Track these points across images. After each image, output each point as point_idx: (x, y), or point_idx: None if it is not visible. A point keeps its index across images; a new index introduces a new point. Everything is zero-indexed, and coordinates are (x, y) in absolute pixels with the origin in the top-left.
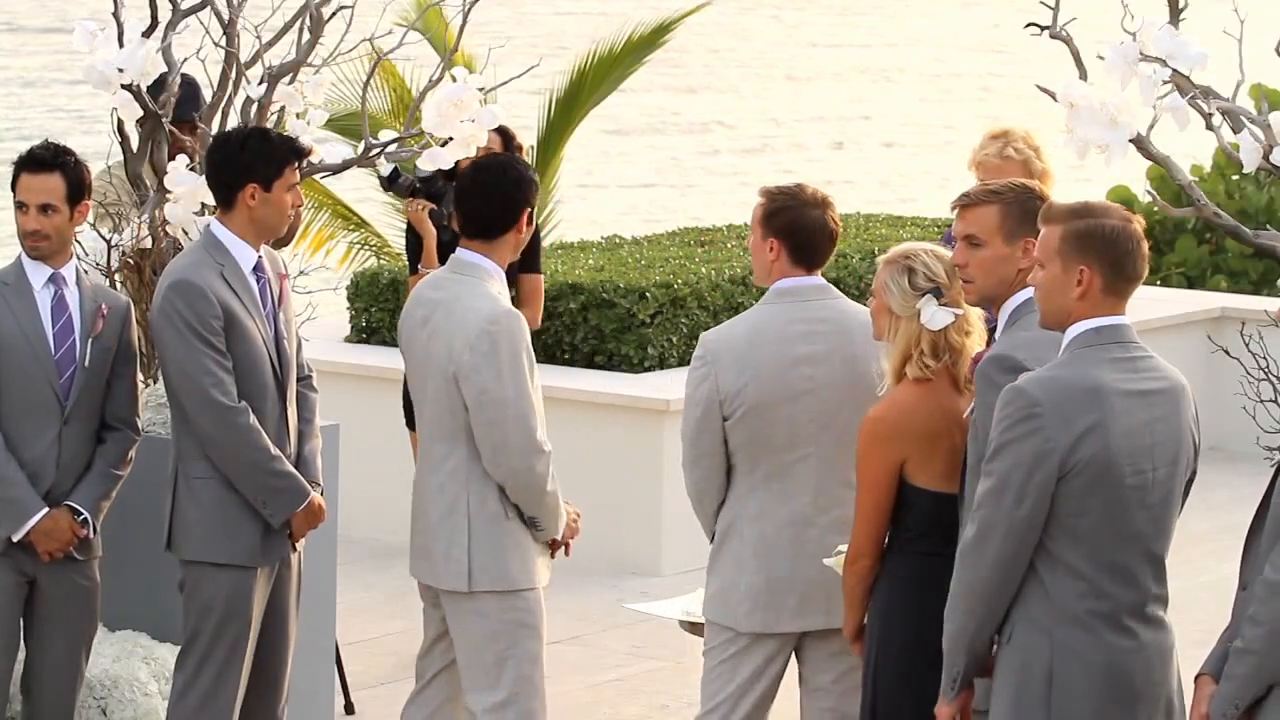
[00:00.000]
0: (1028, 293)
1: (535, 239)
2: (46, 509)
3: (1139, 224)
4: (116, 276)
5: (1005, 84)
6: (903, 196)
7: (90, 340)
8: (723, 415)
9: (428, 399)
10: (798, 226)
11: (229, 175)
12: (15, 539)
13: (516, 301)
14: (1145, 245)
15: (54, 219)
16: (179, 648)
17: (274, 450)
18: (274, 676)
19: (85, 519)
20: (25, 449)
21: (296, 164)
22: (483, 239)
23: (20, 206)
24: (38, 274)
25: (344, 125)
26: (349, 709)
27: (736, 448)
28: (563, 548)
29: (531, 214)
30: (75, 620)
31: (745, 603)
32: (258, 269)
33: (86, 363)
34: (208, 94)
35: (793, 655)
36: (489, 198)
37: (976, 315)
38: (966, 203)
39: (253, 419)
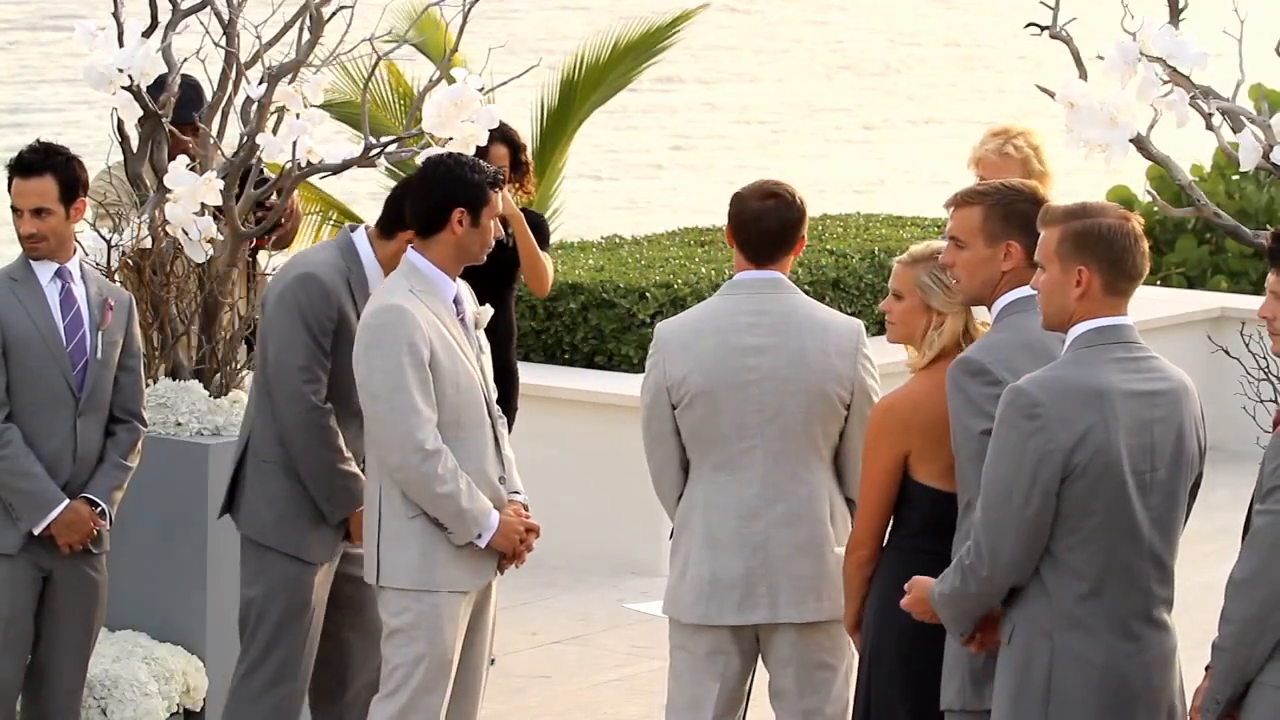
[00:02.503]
0: (1013, 295)
1: (543, 226)
2: (68, 500)
3: (1137, 222)
4: (116, 276)
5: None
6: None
7: (99, 332)
8: (671, 403)
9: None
10: (737, 215)
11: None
12: (37, 531)
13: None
14: (1144, 243)
15: (49, 221)
16: (179, 647)
17: (346, 453)
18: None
19: (103, 510)
20: (42, 442)
21: (466, 213)
22: (419, 238)
23: (15, 211)
24: (44, 269)
25: (346, 113)
26: None
27: (687, 437)
28: (512, 561)
29: (474, 215)
30: (87, 614)
31: (689, 594)
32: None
33: (98, 354)
34: (208, 94)
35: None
36: (418, 196)
37: None
38: (954, 203)
39: (334, 421)
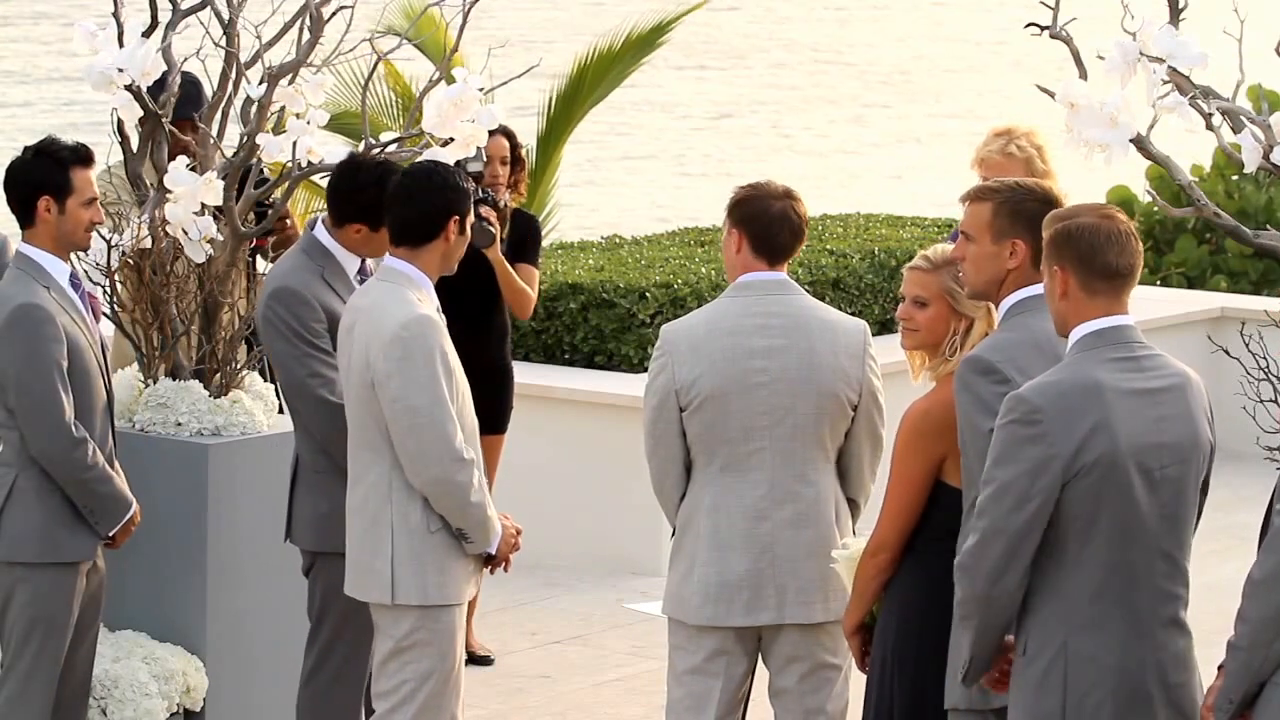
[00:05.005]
0: (1021, 294)
1: (535, 232)
2: (134, 501)
3: (1121, 221)
4: (116, 276)
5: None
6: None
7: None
8: (680, 406)
9: (351, 407)
10: (756, 215)
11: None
12: (112, 534)
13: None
14: (1125, 242)
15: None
16: (179, 648)
17: None
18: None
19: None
20: (103, 444)
21: (459, 221)
22: (408, 246)
23: (88, 203)
24: (60, 271)
25: (344, 125)
26: None
27: (693, 439)
28: (502, 564)
29: (462, 223)
30: (100, 606)
31: (696, 595)
32: (361, 271)
33: (109, 349)
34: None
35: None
36: (414, 205)
37: None
38: (967, 197)
39: None
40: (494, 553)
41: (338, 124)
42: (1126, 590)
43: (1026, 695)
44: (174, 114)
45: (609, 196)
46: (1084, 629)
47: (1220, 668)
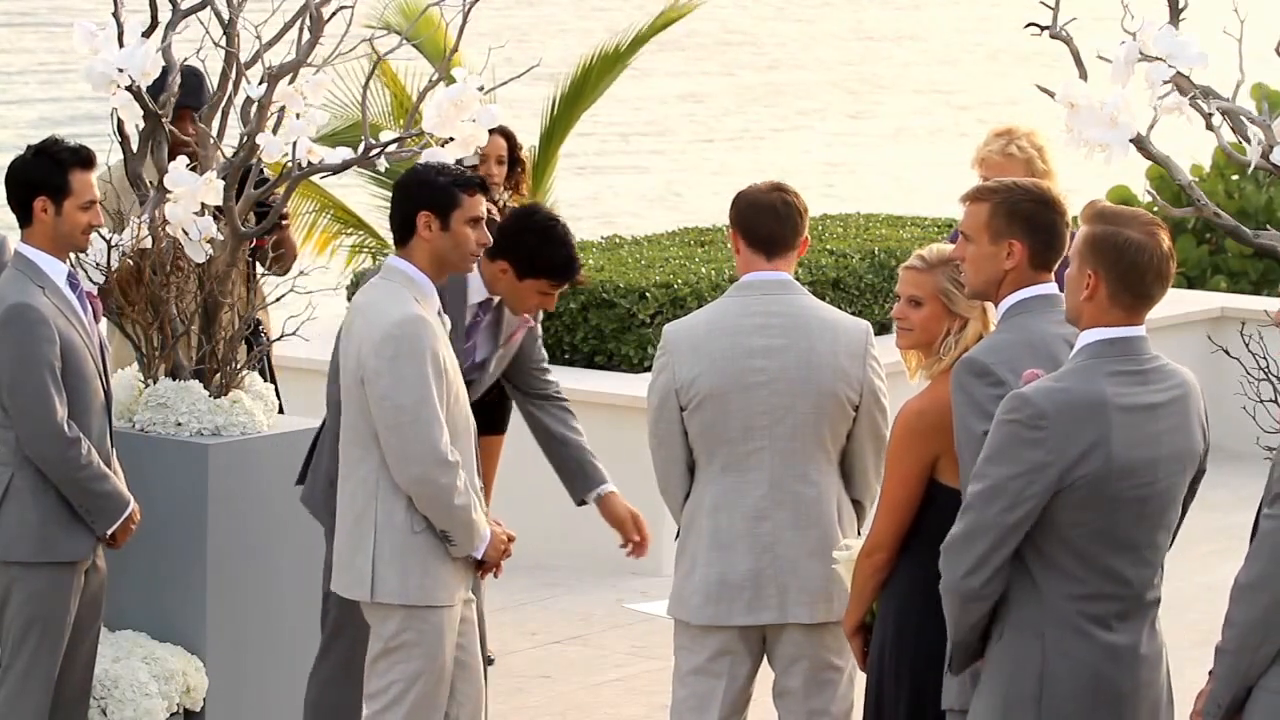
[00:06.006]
0: (1019, 295)
1: None
2: (132, 500)
3: (1165, 240)
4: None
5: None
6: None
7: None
8: (680, 405)
9: (346, 404)
10: (747, 209)
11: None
12: (110, 533)
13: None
14: (1166, 266)
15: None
16: (179, 647)
17: None
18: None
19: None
20: (101, 444)
21: (434, 217)
22: (398, 244)
23: (86, 206)
24: (58, 272)
25: (344, 138)
26: None
27: (694, 439)
28: (492, 570)
29: (443, 219)
30: (100, 607)
31: (697, 596)
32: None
33: (109, 347)
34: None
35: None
36: (393, 205)
37: None
38: (967, 198)
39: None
40: (480, 557)
41: (335, 139)
42: (1108, 593)
43: (999, 679)
44: (178, 101)
45: (605, 194)
46: (1063, 625)
47: (1212, 672)
